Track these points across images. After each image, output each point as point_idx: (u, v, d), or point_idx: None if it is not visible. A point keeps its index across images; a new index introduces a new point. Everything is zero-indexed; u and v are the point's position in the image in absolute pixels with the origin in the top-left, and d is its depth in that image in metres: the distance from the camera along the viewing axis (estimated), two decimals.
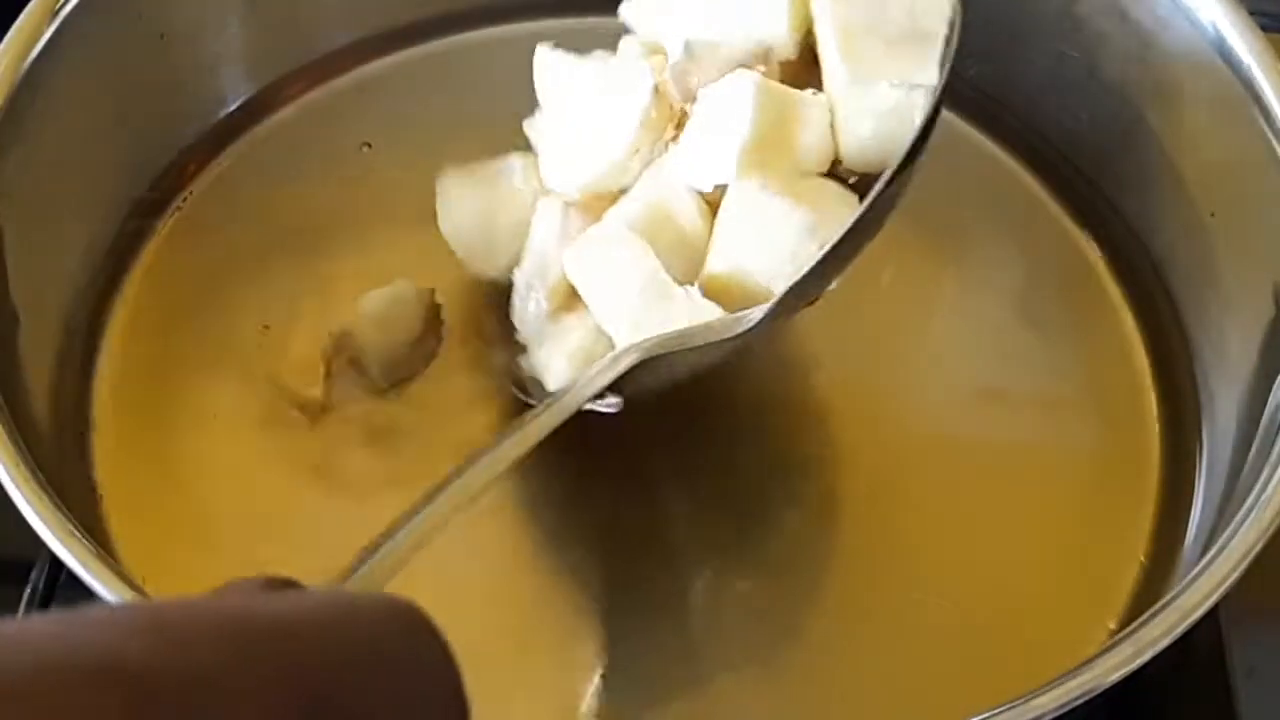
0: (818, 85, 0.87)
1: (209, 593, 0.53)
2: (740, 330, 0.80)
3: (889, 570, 0.94)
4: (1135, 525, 0.96)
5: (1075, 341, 1.05)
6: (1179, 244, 1.05)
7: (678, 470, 0.97)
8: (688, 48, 0.88)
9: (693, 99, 0.87)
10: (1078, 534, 0.96)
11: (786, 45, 0.88)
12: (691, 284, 0.83)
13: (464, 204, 0.95)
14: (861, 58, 0.86)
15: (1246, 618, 0.93)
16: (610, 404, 0.81)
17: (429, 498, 0.72)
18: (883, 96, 0.85)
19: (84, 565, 0.77)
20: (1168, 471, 0.99)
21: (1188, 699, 0.95)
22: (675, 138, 0.88)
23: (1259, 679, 0.92)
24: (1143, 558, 0.95)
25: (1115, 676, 0.75)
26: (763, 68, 0.87)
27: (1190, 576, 0.79)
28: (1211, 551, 0.80)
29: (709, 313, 0.81)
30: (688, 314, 0.82)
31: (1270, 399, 0.91)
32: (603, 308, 0.85)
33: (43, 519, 0.78)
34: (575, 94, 0.92)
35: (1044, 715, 0.73)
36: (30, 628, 0.45)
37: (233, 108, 1.11)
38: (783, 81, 0.87)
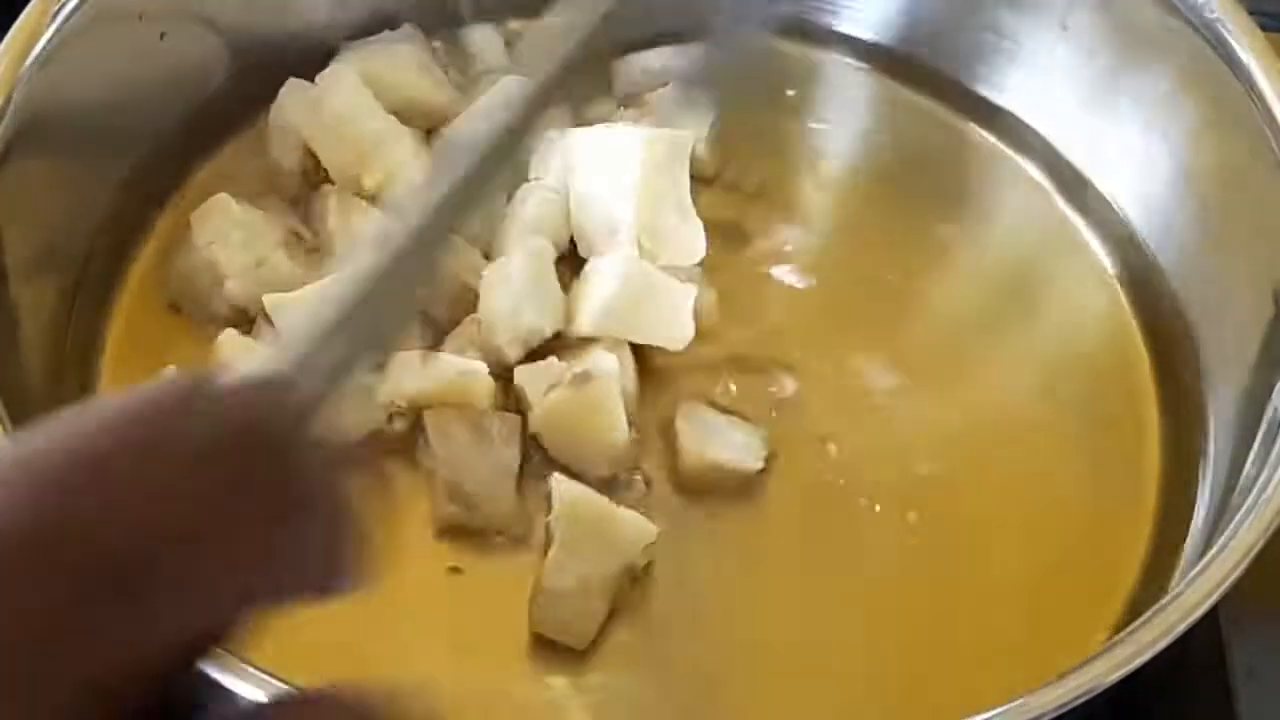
0: None
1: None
2: None
3: (889, 570, 0.94)
4: (1135, 525, 0.96)
5: (1076, 342, 1.05)
6: (1179, 244, 1.05)
7: None
8: None
9: None
10: (1078, 534, 0.96)
11: None
12: None
13: None
14: None
15: (1246, 618, 0.93)
16: None
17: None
18: None
19: None
20: (1168, 471, 0.99)
21: (1188, 699, 0.95)
22: None
23: (1259, 679, 0.92)
24: (1143, 558, 0.95)
25: (1115, 676, 0.75)
26: None
27: (1190, 576, 0.79)
28: (1211, 551, 0.80)
29: None
30: None
31: (1270, 399, 0.91)
32: None
33: None
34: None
35: (1044, 715, 0.73)
36: None
37: (232, 106, 1.11)
38: None
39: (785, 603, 0.92)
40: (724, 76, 0.75)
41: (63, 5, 0.96)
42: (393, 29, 1.15)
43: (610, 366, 0.94)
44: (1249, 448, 0.90)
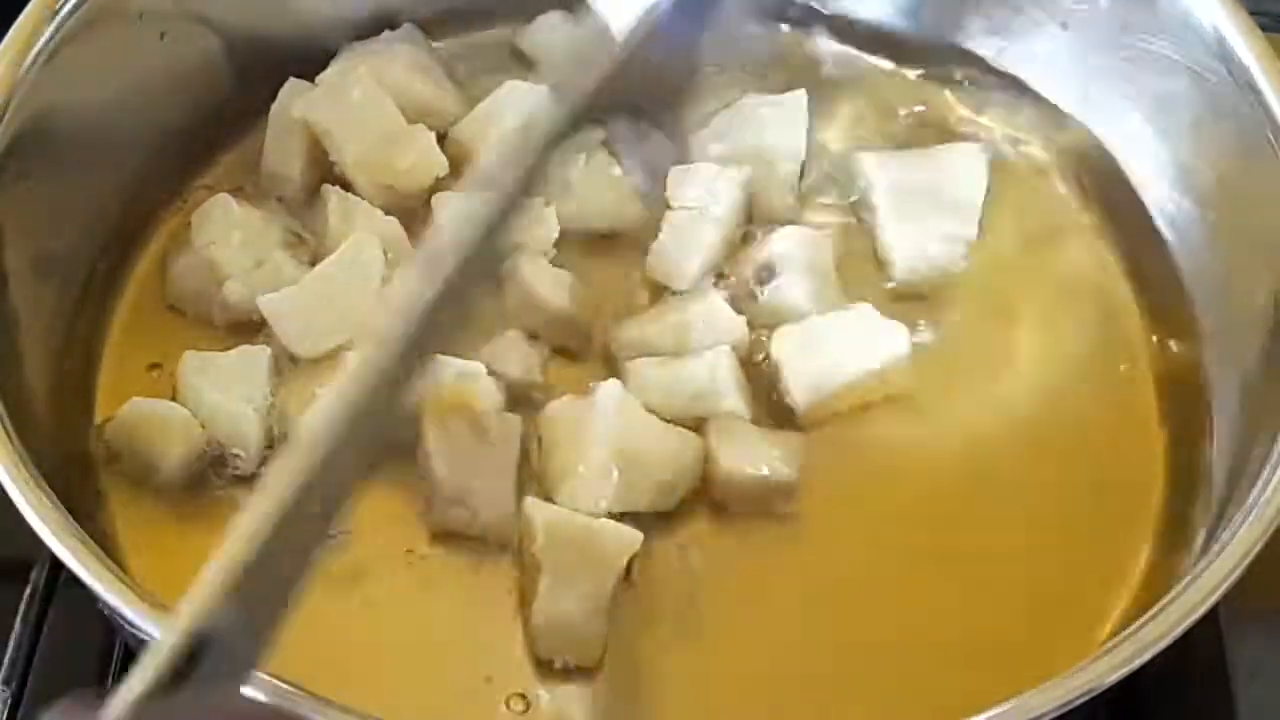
0: None
1: None
2: None
3: (891, 570, 0.94)
4: (1136, 525, 0.96)
5: (1077, 342, 1.05)
6: (1180, 244, 1.05)
7: None
8: None
9: None
10: (1079, 535, 0.96)
11: None
12: None
13: None
14: None
15: (1246, 618, 0.93)
16: None
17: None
18: None
19: (84, 565, 0.77)
20: (1169, 472, 0.99)
21: (1188, 699, 0.95)
22: None
23: (1259, 679, 0.92)
24: (1143, 558, 0.95)
25: (1115, 676, 0.75)
26: None
27: (1190, 576, 0.79)
28: (1211, 551, 0.80)
29: None
30: None
31: (1271, 398, 0.91)
32: None
33: (43, 519, 0.78)
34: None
35: (1044, 715, 0.73)
36: None
37: (233, 106, 1.11)
38: None
39: (787, 603, 0.92)
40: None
41: (63, 5, 0.96)
42: (393, 29, 1.15)
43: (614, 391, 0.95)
44: (1249, 447, 0.90)
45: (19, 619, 0.96)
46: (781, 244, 1.04)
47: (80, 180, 1.02)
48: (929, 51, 1.17)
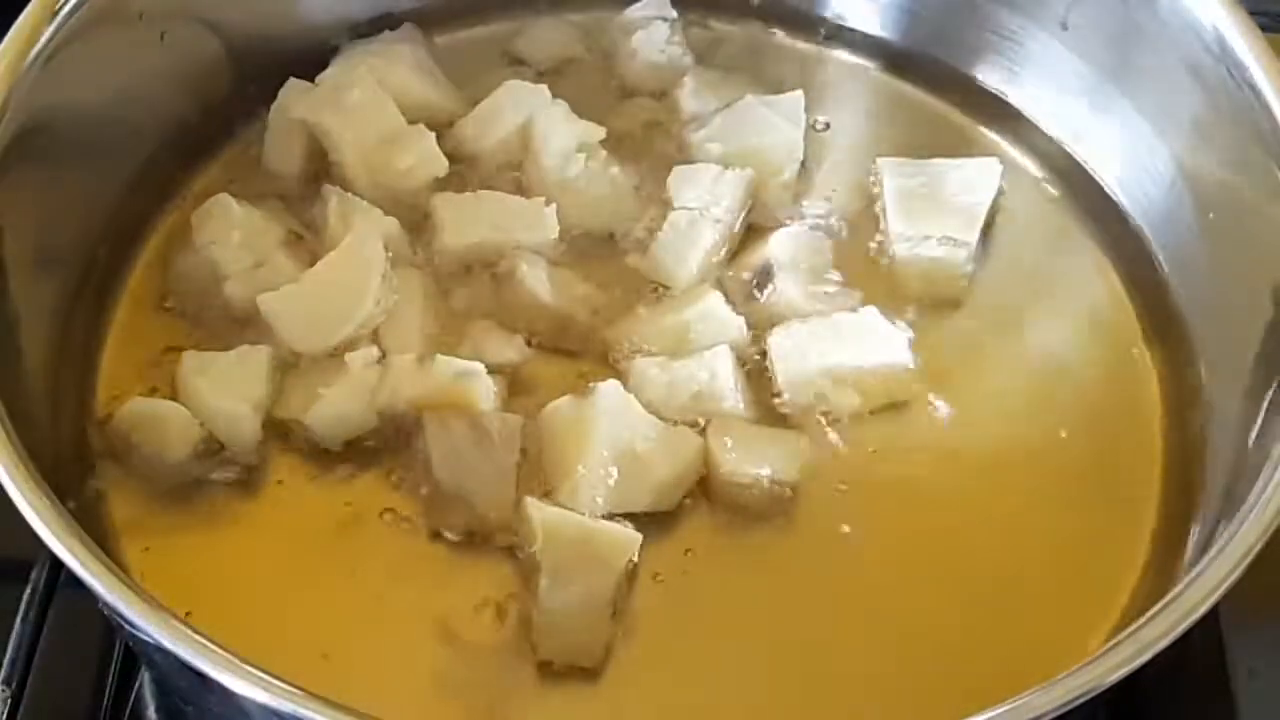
0: None
1: None
2: None
3: (890, 570, 0.94)
4: (1136, 526, 0.96)
5: (1077, 342, 1.05)
6: (1180, 244, 1.05)
7: None
8: None
9: None
10: (1079, 535, 0.96)
11: None
12: None
13: None
14: None
15: (1246, 618, 0.93)
16: None
17: None
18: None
19: (84, 565, 0.77)
20: (1169, 472, 0.99)
21: (1188, 699, 0.95)
22: None
23: (1259, 679, 0.92)
24: (1143, 558, 0.95)
25: (1115, 676, 0.75)
26: None
27: (1190, 576, 0.79)
28: (1211, 551, 0.80)
29: None
30: None
31: (1270, 399, 0.91)
32: None
33: (43, 519, 0.78)
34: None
35: (1044, 715, 0.73)
36: None
37: (233, 106, 1.11)
38: None
39: (787, 603, 0.92)
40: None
41: (63, 5, 0.96)
42: (393, 29, 1.15)
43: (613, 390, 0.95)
44: (1249, 448, 0.90)
45: (19, 619, 0.96)
46: (781, 245, 1.04)
47: (80, 180, 1.02)
48: (930, 54, 1.18)
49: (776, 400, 0.99)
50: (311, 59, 1.12)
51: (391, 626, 0.90)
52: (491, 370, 0.97)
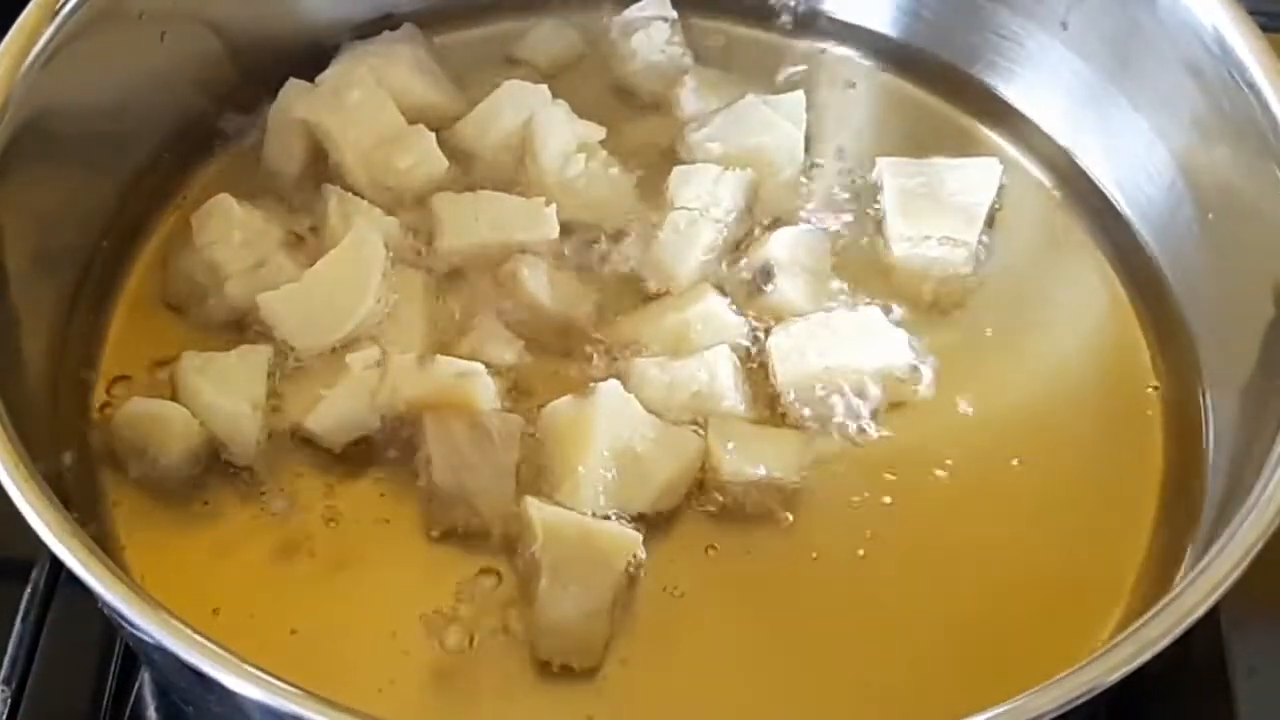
0: None
1: None
2: None
3: (889, 571, 0.94)
4: (1136, 525, 0.96)
5: (1077, 341, 1.05)
6: (1180, 244, 1.05)
7: None
8: None
9: None
10: (1079, 534, 0.96)
11: None
12: None
13: None
14: None
15: (1246, 618, 0.93)
16: None
17: None
18: None
19: (84, 565, 0.77)
20: (1169, 471, 0.99)
21: (1188, 699, 0.95)
22: None
23: (1259, 679, 0.92)
24: (1143, 558, 0.95)
25: (1115, 676, 0.75)
26: None
27: (1190, 576, 0.79)
28: (1211, 551, 0.80)
29: None
30: None
31: (1270, 398, 0.91)
32: None
33: (43, 519, 0.78)
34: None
35: (1044, 715, 0.73)
36: None
37: (233, 106, 1.11)
38: None
39: (787, 603, 0.92)
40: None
41: (63, 5, 0.96)
42: (393, 29, 1.15)
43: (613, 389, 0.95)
44: (1249, 448, 0.90)
45: (19, 619, 0.96)
46: (780, 245, 1.04)
47: (80, 180, 1.02)
48: (931, 54, 1.18)
49: (776, 400, 0.99)
50: (311, 59, 1.12)
51: (391, 626, 0.90)
52: (491, 370, 0.97)
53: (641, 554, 0.91)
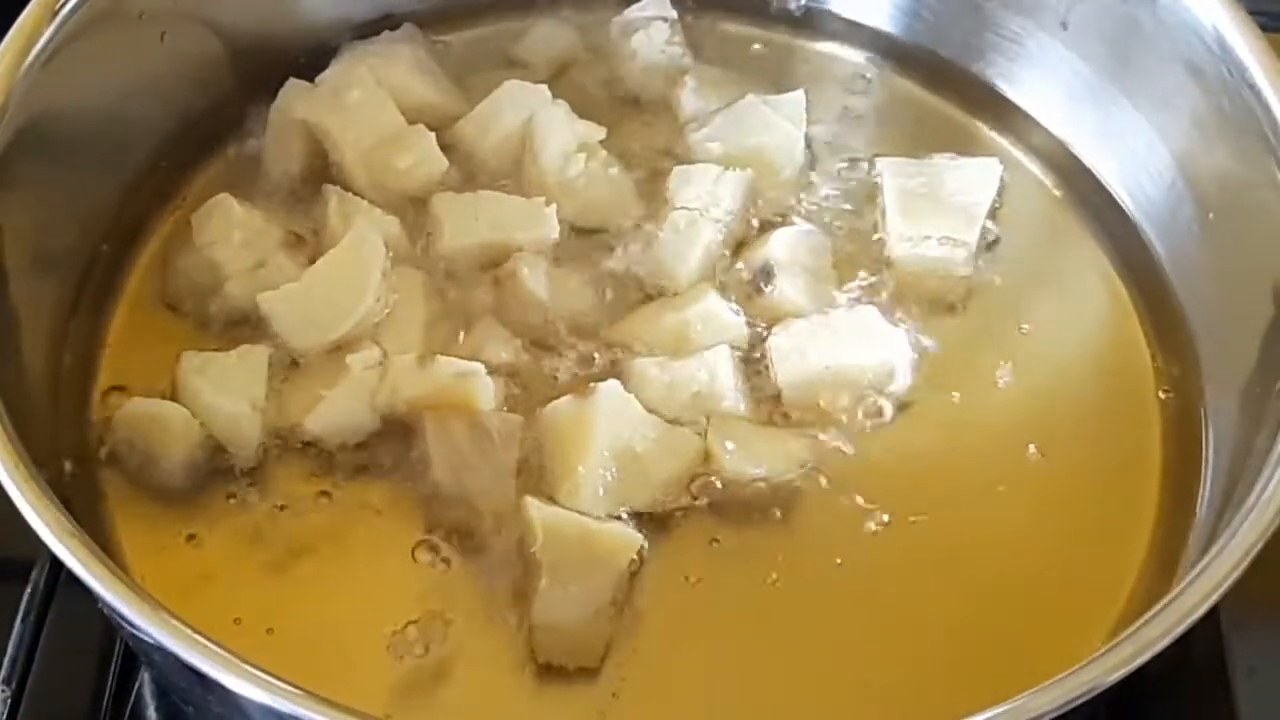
0: None
1: None
2: None
3: (889, 570, 0.94)
4: (1136, 525, 0.96)
5: (1077, 341, 1.05)
6: (1180, 244, 1.06)
7: None
8: None
9: None
10: (1079, 534, 0.96)
11: None
12: None
13: None
14: None
15: (1246, 618, 0.93)
16: None
17: None
18: None
19: (84, 565, 0.77)
20: (1169, 471, 0.99)
21: (1188, 699, 0.95)
22: None
23: (1259, 679, 0.92)
24: (1143, 558, 0.95)
25: (1115, 676, 0.75)
26: None
27: (1190, 576, 0.79)
28: (1211, 551, 0.80)
29: None
30: None
31: (1270, 398, 0.91)
32: None
33: (43, 519, 0.78)
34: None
35: (1044, 715, 0.73)
36: None
37: (233, 106, 1.11)
38: None
39: (787, 603, 0.92)
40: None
41: (63, 5, 0.96)
42: (393, 29, 1.15)
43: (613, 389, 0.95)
44: (1249, 448, 0.90)
45: (19, 619, 0.96)
46: (780, 244, 1.04)
47: (80, 180, 1.02)
48: (931, 53, 1.18)
49: (776, 400, 0.99)
50: (311, 59, 1.12)
51: (391, 626, 0.90)
52: (491, 370, 0.97)
53: (641, 554, 0.91)
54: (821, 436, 0.98)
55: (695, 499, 0.95)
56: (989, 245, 1.08)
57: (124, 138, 1.06)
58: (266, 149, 1.09)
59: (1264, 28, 0.99)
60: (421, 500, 0.94)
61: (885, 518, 0.95)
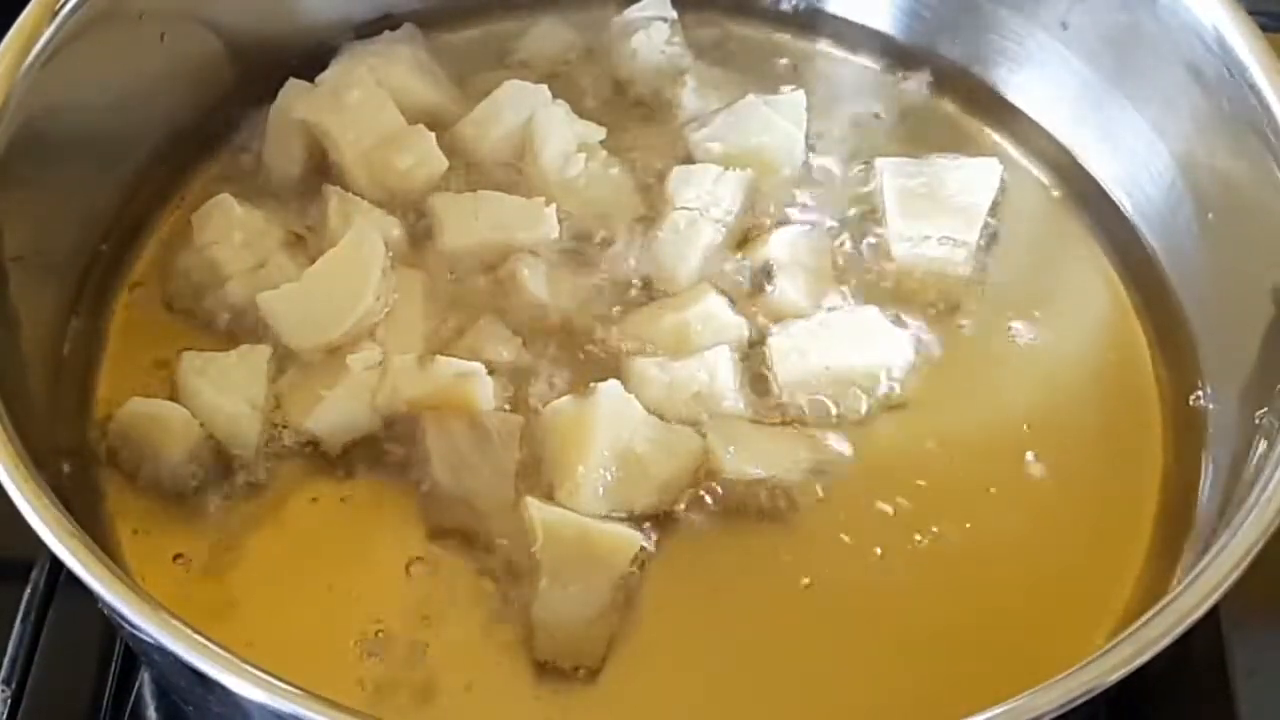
0: None
1: None
2: None
3: (889, 571, 0.94)
4: (1137, 526, 0.96)
5: (1078, 342, 1.05)
6: (1180, 244, 1.06)
7: None
8: None
9: None
10: (1080, 535, 0.96)
11: None
12: None
13: None
14: None
15: (1246, 618, 0.93)
16: None
17: None
18: None
19: (84, 565, 0.77)
20: (1169, 472, 0.99)
21: (1188, 699, 0.95)
22: None
23: (1259, 679, 0.92)
24: (1144, 558, 0.95)
25: (1115, 676, 0.75)
26: None
27: (1190, 576, 0.79)
28: (1211, 551, 0.80)
29: None
30: None
31: (1270, 398, 0.91)
32: None
33: (43, 519, 0.78)
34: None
35: (1044, 715, 0.73)
36: None
37: (232, 107, 1.11)
38: None
39: (787, 603, 0.92)
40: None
41: (63, 5, 0.96)
42: (393, 29, 1.15)
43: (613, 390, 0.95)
44: (1250, 448, 0.90)
45: (19, 619, 0.96)
46: (780, 244, 1.04)
47: (80, 180, 1.02)
48: (931, 54, 1.18)
49: (776, 400, 0.99)
50: (311, 59, 1.12)
51: (390, 626, 0.90)
52: (491, 370, 0.97)
53: (641, 554, 0.91)
54: (821, 436, 0.98)
55: (695, 499, 0.95)
56: (989, 245, 1.08)
57: (124, 138, 1.06)
58: (266, 149, 1.09)
59: (1264, 28, 0.99)
60: (421, 500, 0.94)
61: (884, 518, 0.95)
